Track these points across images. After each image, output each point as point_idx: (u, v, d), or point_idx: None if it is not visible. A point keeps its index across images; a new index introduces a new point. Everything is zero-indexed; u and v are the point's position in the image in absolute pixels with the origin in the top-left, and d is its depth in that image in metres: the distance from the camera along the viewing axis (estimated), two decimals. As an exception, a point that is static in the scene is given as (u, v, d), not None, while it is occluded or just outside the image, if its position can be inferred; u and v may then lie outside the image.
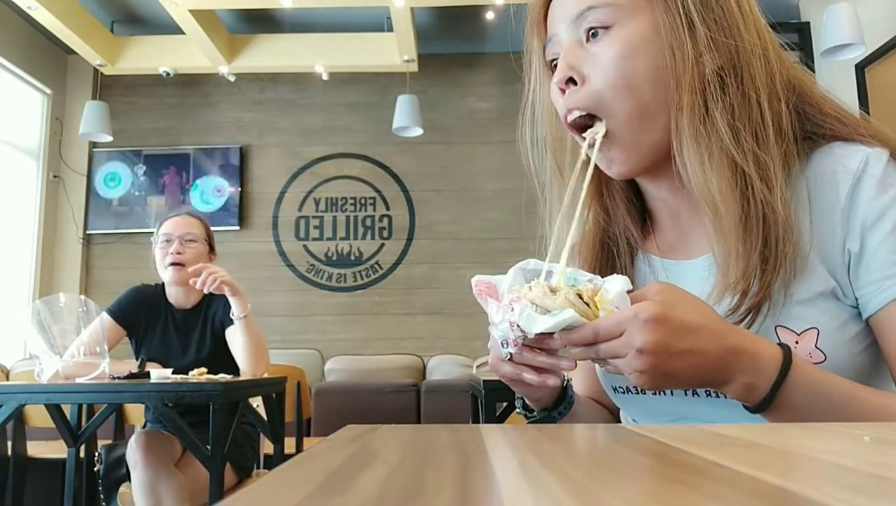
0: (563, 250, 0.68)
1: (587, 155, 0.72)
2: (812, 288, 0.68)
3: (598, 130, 0.71)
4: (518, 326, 0.63)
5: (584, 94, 0.70)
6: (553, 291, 0.63)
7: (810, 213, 0.68)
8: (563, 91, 0.72)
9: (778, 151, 0.67)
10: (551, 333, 0.62)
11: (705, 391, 0.73)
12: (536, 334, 0.62)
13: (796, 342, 0.67)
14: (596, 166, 0.74)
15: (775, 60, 0.70)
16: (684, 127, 0.68)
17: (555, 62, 0.75)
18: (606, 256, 0.83)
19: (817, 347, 0.67)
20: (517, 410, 0.88)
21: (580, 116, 0.72)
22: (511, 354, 0.67)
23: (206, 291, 2.17)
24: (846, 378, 0.65)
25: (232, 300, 2.20)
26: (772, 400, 0.61)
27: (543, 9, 0.78)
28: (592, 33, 0.70)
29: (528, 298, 0.63)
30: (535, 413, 0.83)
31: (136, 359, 2.38)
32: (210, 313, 2.37)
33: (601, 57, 0.69)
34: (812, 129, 0.71)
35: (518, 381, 0.70)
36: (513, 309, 0.63)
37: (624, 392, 0.81)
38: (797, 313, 0.68)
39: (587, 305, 0.62)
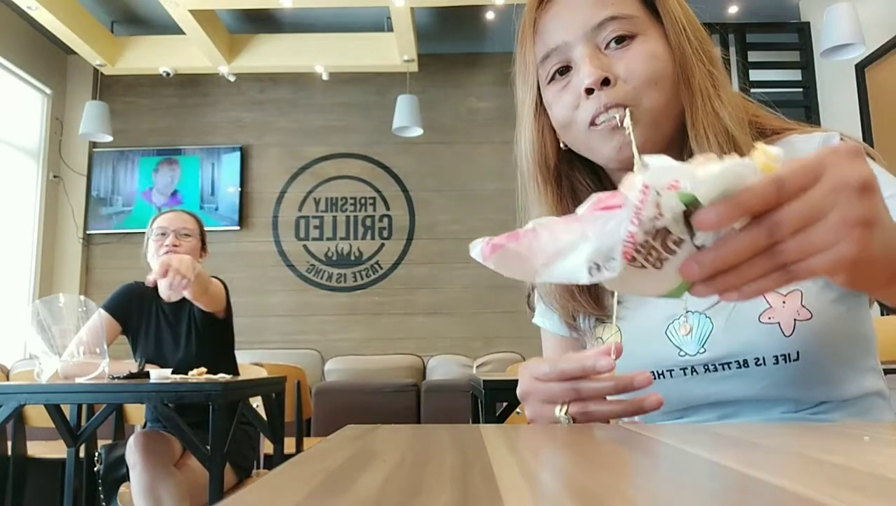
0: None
1: (626, 129, 0.75)
2: None
3: (626, 114, 0.76)
4: (657, 196, 0.42)
5: (624, 91, 0.76)
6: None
7: None
8: (590, 91, 0.76)
9: (749, 131, 0.78)
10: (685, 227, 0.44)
11: (712, 365, 0.75)
12: (675, 214, 0.43)
13: (783, 302, 0.72)
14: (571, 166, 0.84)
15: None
16: (698, 111, 0.76)
17: (560, 69, 0.79)
18: None
19: (803, 306, 0.72)
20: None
21: (615, 111, 0.76)
22: (613, 266, 0.45)
23: (174, 298, 2.08)
24: (835, 338, 0.72)
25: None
26: None
27: (534, 24, 0.81)
28: (617, 40, 0.76)
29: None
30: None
31: (134, 357, 2.38)
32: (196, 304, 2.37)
33: (636, 59, 0.76)
34: (759, 125, 0.81)
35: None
36: (645, 182, 0.43)
37: None
38: None
39: None
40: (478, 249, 0.49)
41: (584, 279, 0.46)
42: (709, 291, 0.47)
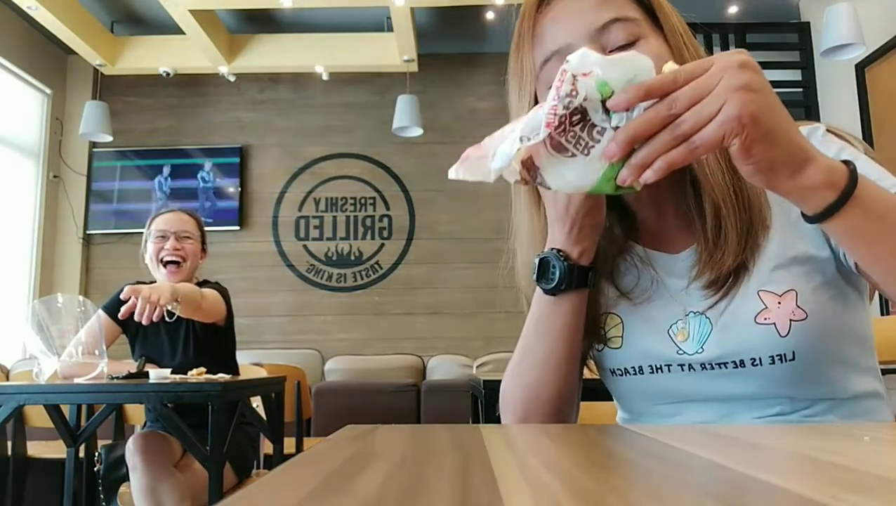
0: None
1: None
2: (786, 253, 0.74)
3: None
4: (573, 78, 0.52)
5: None
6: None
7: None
8: None
9: None
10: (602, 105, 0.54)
11: (709, 364, 0.76)
12: (593, 101, 0.53)
13: (779, 303, 0.73)
14: None
15: None
16: None
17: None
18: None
19: (798, 306, 0.73)
20: (542, 281, 0.77)
21: None
22: (539, 134, 0.55)
23: (147, 321, 1.93)
24: (831, 337, 0.73)
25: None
26: (853, 189, 0.58)
27: (531, 29, 0.80)
28: (622, 47, 0.75)
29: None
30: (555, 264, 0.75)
31: (133, 358, 2.37)
32: None
33: None
34: None
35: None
36: (565, 68, 0.53)
37: (622, 374, 0.82)
38: (776, 278, 0.74)
39: None
40: (452, 169, 0.57)
41: (516, 148, 0.54)
42: (629, 173, 0.56)
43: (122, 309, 1.90)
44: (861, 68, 4.19)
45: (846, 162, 0.60)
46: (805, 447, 0.43)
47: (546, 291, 0.77)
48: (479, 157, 0.57)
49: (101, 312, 2.30)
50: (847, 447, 0.43)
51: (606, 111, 0.55)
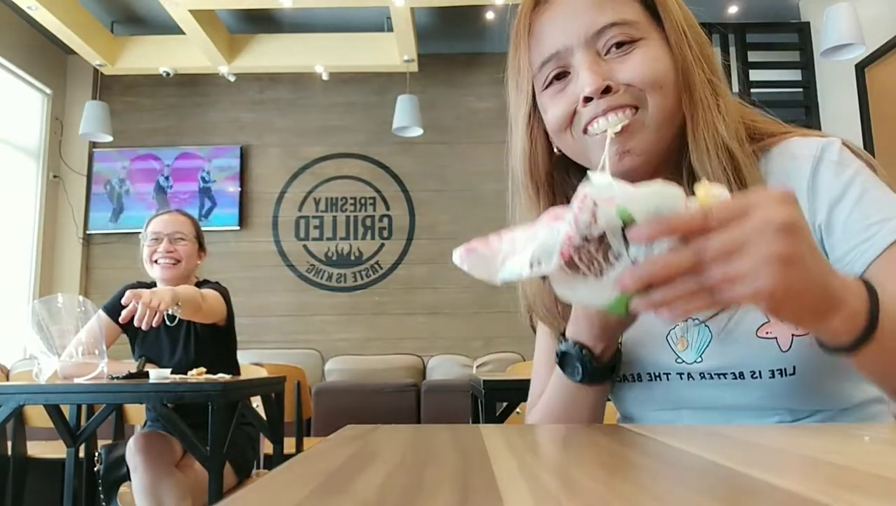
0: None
1: (609, 137, 0.74)
2: None
3: (610, 124, 0.74)
4: (594, 205, 0.48)
5: (630, 93, 0.74)
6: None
7: None
8: (589, 99, 0.74)
9: (748, 146, 0.77)
10: (617, 234, 0.50)
11: (708, 373, 0.75)
12: (613, 227, 0.49)
13: None
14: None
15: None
16: (699, 123, 0.75)
17: (557, 74, 0.77)
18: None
19: None
20: (573, 374, 0.75)
21: (613, 114, 0.74)
22: (550, 263, 0.51)
23: (147, 327, 1.94)
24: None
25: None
26: (875, 326, 0.57)
27: (528, 28, 0.79)
28: (617, 45, 0.74)
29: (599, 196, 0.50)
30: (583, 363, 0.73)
31: (133, 358, 2.37)
32: None
33: (639, 63, 0.74)
34: (756, 130, 0.80)
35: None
36: (586, 192, 0.49)
37: (620, 381, 0.81)
38: None
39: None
40: (457, 254, 0.55)
41: (526, 273, 0.51)
42: (644, 305, 0.51)
43: (123, 313, 1.91)
44: (861, 68, 4.19)
45: (869, 289, 0.58)
46: (805, 447, 0.43)
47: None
48: (486, 255, 0.54)
49: (101, 312, 2.31)
50: (847, 447, 0.43)
51: (625, 237, 0.51)
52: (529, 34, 0.79)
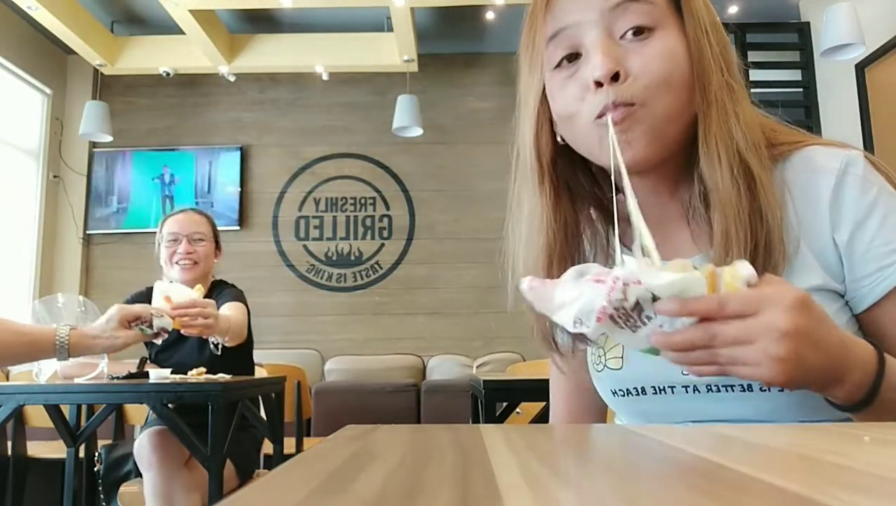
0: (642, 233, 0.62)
1: (610, 140, 0.70)
2: (806, 281, 0.71)
3: (610, 124, 0.70)
4: (622, 285, 0.55)
5: (633, 88, 0.70)
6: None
7: (795, 210, 0.72)
8: (600, 84, 0.70)
9: (766, 154, 0.74)
10: (640, 307, 0.56)
11: (715, 386, 0.73)
12: (644, 298, 0.55)
13: None
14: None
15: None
16: (711, 124, 0.72)
17: (568, 56, 0.74)
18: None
19: None
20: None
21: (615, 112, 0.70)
22: (589, 325, 0.57)
23: (188, 332, 1.95)
24: None
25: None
26: (875, 394, 0.60)
27: (546, 3, 0.75)
28: (634, 32, 0.71)
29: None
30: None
31: (149, 359, 2.35)
32: None
33: (653, 56, 0.71)
34: (774, 139, 0.77)
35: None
36: (617, 275, 0.56)
37: (624, 395, 0.80)
38: None
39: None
40: (525, 284, 0.61)
41: (570, 329, 0.58)
42: (670, 360, 0.59)
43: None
44: (861, 68, 4.19)
45: (880, 361, 0.61)
46: (805, 447, 0.43)
47: None
48: (543, 296, 0.60)
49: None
50: (847, 447, 0.43)
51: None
52: (547, 8, 0.75)
